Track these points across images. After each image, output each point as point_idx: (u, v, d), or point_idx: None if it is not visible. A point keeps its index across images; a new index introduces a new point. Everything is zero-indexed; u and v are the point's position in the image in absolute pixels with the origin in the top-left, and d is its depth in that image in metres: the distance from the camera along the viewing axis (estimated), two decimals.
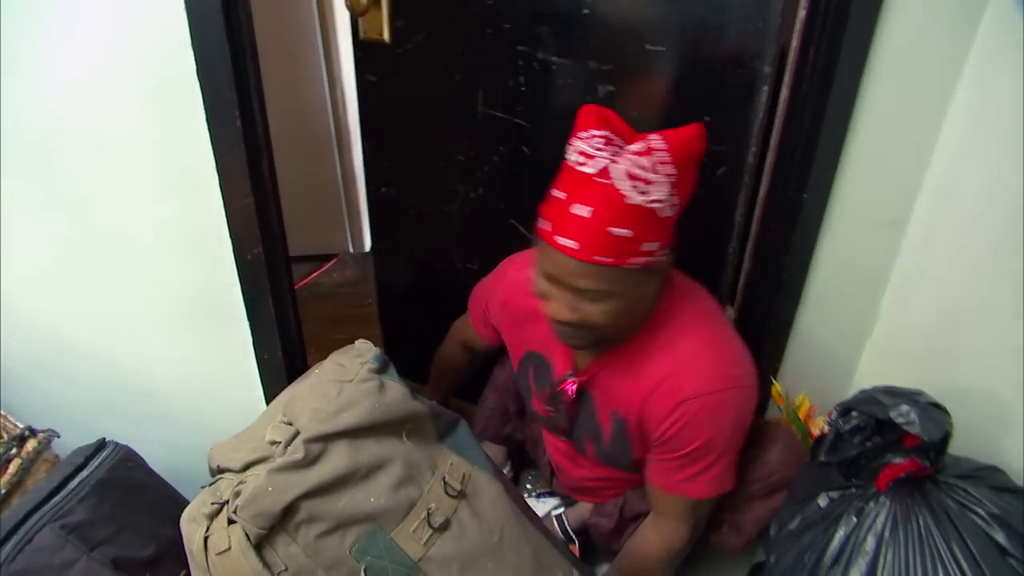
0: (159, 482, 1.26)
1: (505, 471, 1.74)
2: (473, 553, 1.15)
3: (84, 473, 1.13)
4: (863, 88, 1.23)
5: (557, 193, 1.06)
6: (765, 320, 1.46)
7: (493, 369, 1.68)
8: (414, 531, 1.11)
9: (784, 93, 1.37)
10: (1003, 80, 1.14)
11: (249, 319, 1.28)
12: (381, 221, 1.70)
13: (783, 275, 1.40)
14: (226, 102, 1.08)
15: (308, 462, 1.05)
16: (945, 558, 0.93)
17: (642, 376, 1.20)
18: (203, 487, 1.14)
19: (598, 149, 1.02)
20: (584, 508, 1.58)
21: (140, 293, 1.25)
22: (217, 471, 1.14)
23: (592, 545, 1.59)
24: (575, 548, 1.56)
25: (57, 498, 1.08)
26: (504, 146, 1.55)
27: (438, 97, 1.56)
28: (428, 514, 1.12)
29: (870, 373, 1.47)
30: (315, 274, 2.79)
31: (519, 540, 1.22)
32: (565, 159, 1.07)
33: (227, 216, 1.17)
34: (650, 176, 1.00)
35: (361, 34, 1.50)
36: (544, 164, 1.37)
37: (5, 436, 1.19)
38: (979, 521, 0.95)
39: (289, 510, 1.03)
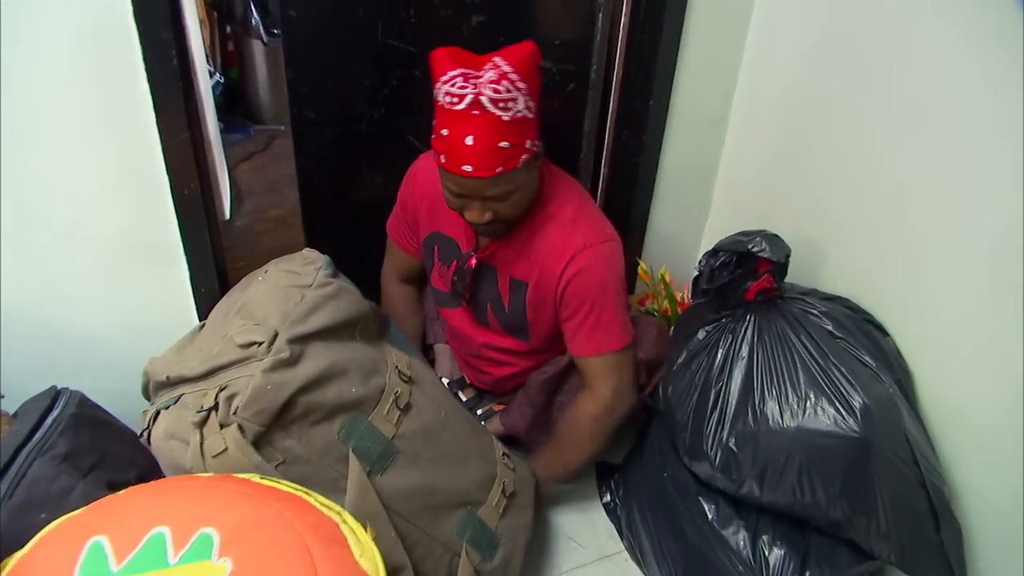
0: (115, 418, 1.29)
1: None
2: (430, 427, 1.32)
3: (55, 412, 1.13)
4: (688, 11, 1.53)
5: (443, 131, 1.25)
6: (627, 212, 1.75)
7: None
8: (386, 414, 1.26)
9: (624, 20, 1.64)
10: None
11: (186, 254, 1.32)
12: (303, 140, 1.84)
13: (638, 172, 1.70)
14: (163, 41, 1.13)
15: (293, 360, 1.14)
16: (797, 347, 1.27)
17: (535, 244, 1.43)
18: (147, 410, 1.21)
19: (461, 87, 1.22)
20: (495, 424, 1.68)
21: (76, 241, 1.25)
22: (167, 382, 1.20)
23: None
24: None
25: (39, 434, 1.08)
26: (400, 70, 1.72)
27: (346, 29, 1.72)
28: (395, 398, 1.28)
29: (711, 246, 1.82)
30: None
31: (458, 413, 1.43)
32: (436, 101, 1.26)
33: (164, 153, 1.21)
34: (509, 95, 1.22)
35: None
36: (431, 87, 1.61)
37: None
38: (815, 318, 1.30)
39: (287, 405, 1.12)
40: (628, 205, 1.75)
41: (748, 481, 1.26)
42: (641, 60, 1.61)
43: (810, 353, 1.25)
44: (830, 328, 1.28)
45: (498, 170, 1.25)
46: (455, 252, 1.54)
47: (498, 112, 1.22)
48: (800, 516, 1.26)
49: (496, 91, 1.21)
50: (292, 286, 1.25)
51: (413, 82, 1.72)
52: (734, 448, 1.26)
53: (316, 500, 1.03)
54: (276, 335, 1.16)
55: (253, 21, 2.97)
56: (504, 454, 1.47)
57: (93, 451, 1.14)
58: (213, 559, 0.88)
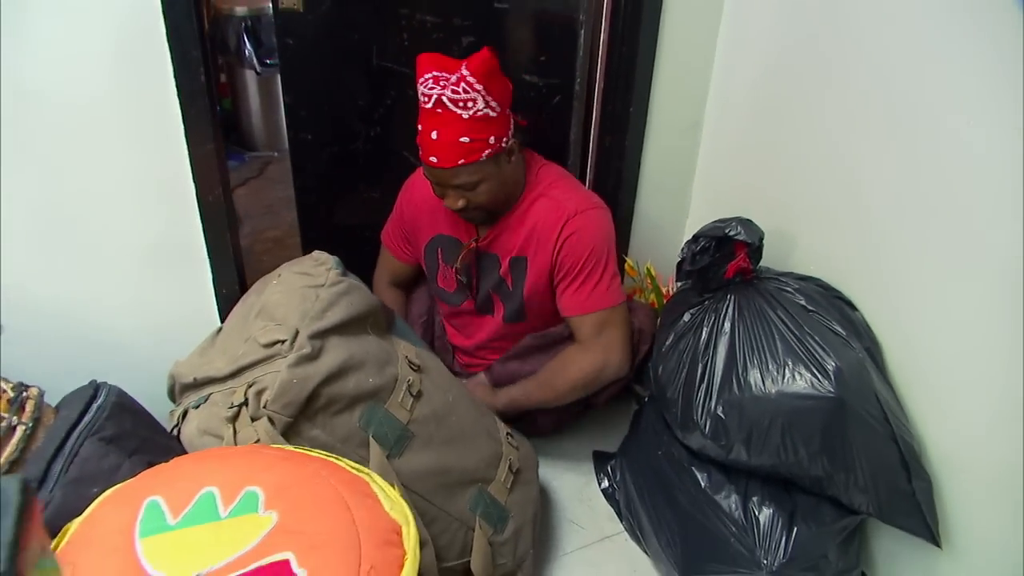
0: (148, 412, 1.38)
1: None
2: (440, 411, 1.42)
3: (100, 399, 1.23)
4: (662, 25, 1.67)
5: (419, 126, 1.45)
6: (613, 213, 1.86)
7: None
8: (401, 401, 1.35)
9: (603, 36, 1.78)
10: (753, 11, 1.64)
11: (210, 257, 1.43)
12: (301, 162, 1.98)
13: (622, 175, 1.83)
14: (193, 60, 1.25)
15: (315, 355, 1.24)
16: (774, 320, 1.39)
17: (528, 221, 1.58)
18: (174, 410, 1.30)
19: (431, 88, 1.40)
20: (480, 377, 1.78)
21: (106, 246, 1.35)
22: (194, 383, 1.29)
23: None
24: None
25: (87, 418, 1.18)
26: (395, 91, 1.87)
27: (342, 54, 1.87)
28: (408, 385, 1.37)
29: None
30: None
31: (463, 397, 1.53)
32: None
33: (191, 162, 1.32)
34: (467, 96, 1.39)
35: (280, 5, 1.80)
36: None
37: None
38: (789, 295, 1.42)
39: (311, 397, 1.22)
40: (614, 207, 1.86)
41: (736, 446, 1.37)
42: (621, 71, 1.74)
43: (786, 325, 1.37)
44: (803, 303, 1.40)
45: (460, 162, 1.43)
46: (457, 248, 1.67)
47: (457, 111, 1.39)
48: (785, 476, 1.37)
49: (455, 92, 1.39)
50: (307, 286, 1.35)
51: (407, 102, 1.84)
52: (722, 415, 1.37)
53: (346, 463, 1.13)
54: (297, 333, 1.25)
55: (247, 52, 3.10)
56: (508, 433, 1.57)
57: (135, 436, 1.24)
58: (260, 512, 0.98)
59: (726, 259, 1.45)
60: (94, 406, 1.23)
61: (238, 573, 0.89)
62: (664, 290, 1.85)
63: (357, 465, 1.13)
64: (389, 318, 1.51)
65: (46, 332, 1.38)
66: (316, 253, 1.45)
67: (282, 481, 1.03)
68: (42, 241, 1.32)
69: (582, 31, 1.76)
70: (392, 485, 1.12)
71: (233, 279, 1.49)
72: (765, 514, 1.38)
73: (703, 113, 1.80)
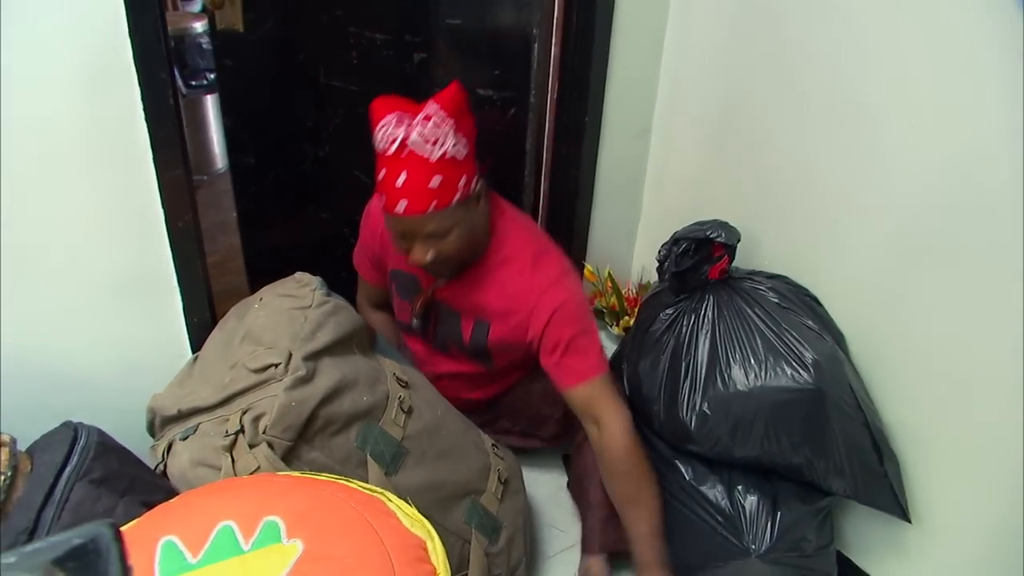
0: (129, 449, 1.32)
1: None
2: (430, 426, 1.41)
3: (82, 441, 1.17)
4: (613, 37, 1.73)
5: (380, 175, 1.30)
6: (570, 221, 1.92)
7: None
8: (394, 418, 1.33)
9: (555, 51, 1.82)
10: (697, 18, 1.71)
11: (180, 285, 1.37)
12: (243, 186, 1.91)
13: (578, 183, 1.88)
14: (160, 82, 1.20)
15: (310, 377, 1.21)
16: (752, 318, 1.45)
17: (495, 286, 1.45)
18: (156, 445, 1.25)
19: (393, 131, 1.26)
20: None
21: (72, 279, 1.26)
22: (179, 415, 1.24)
23: None
24: None
25: (73, 461, 1.12)
26: (344, 109, 1.83)
27: (287, 74, 1.81)
28: (400, 402, 1.36)
29: (644, 245, 2.02)
30: None
31: (451, 411, 1.52)
32: (375, 148, 1.30)
33: (160, 188, 1.27)
34: (435, 134, 1.25)
35: (218, 25, 1.68)
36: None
37: None
38: (763, 293, 1.49)
39: (310, 419, 1.19)
40: (571, 215, 1.92)
41: (722, 439, 1.42)
42: (575, 83, 1.79)
43: (764, 322, 1.44)
44: (777, 300, 1.47)
45: (431, 206, 1.28)
46: (414, 288, 1.58)
47: (425, 154, 1.26)
48: (767, 466, 1.43)
49: (421, 132, 1.25)
50: (294, 308, 1.32)
51: (357, 120, 1.77)
52: (708, 411, 1.42)
53: (357, 484, 1.11)
54: (291, 355, 1.23)
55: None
56: (493, 444, 1.57)
57: (123, 476, 1.18)
58: (284, 541, 0.95)
59: (704, 261, 1.50)
60: (77, 448, 1.17)
61: None
62: (624, 292, 1.90)
63: (368, 485, 1.12)
64: (372, 336, 1.49)
65: (10, 369, 1.30)
66: (299, 275, 1.42)
67: (300, 507, 1.01)
68: (5, 273, 1.24)
69: (535, 44, 1.80)
70: (407, 501, 1.11)
71: (204, 307, 1.43)
72: (750, 501, 1.44)
73: (652, 120, 1.87)
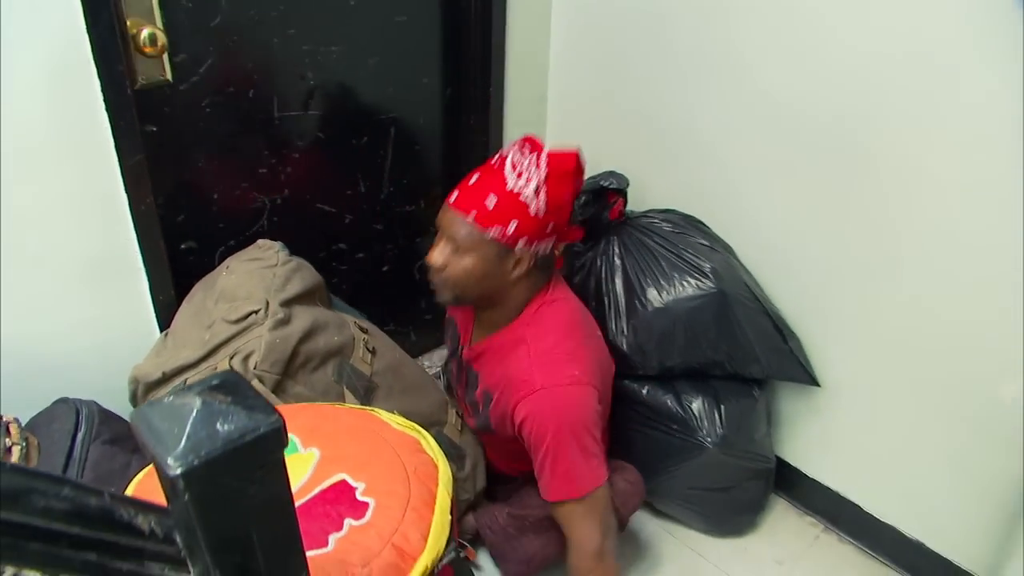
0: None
1: None
2: (394, 364, 1.60)
3: (85, 411, 1.27)
4: (508, 16, 1.93)
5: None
6: None
7: None
8: (362, 356, 1.51)
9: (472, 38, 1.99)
10: None
11: (145, 265, 1.46)
12: (184, 279, 1.58)
13: (487, 150, 2.06)
14: (118, 74, 1.28)
15: (287, 320, 1.38)
16: (652, 246, 1.70)
17: (505, 363, 1.43)
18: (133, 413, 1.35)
19: (507, 151, 1.35)
20: (469, 519, 1.68)
21: (46, 267, 1.32)
22: (163, 377, 1.34)
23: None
24: (472, 552, 1.68)
25: (83, 428, 1.23)
26: (302, 140, 1.75)
27: (234, 118, 1.61)
28: (364, 343, 1.53)
29: None
30: None
31: (406, 356, 1.70)
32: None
33: (123, 173, 1.36)
34: (523, 168, 1.32)
35: (138, 83, 1.38)
36: (339, 145, 1.81)
37: None
38: (658, 224, 1.75)
39: (292, 356, 1.35)
40: None
41: (652, 353, 1.66)
42: (478, 58, 1.97)
43: (663, 247, 1.70)
44: (670, 228, 1.74)
45: (471, 214, 1.31)
46: (455, 339, 1.66)
47: (505, 175, 1.32)
48: (699, 368, 1.68)
49: (517, 157, 1.34)
50: (262, 267, 1.47)
51: (321, 146, 1.78)
52: (635, 332, 1.67)
53: (346, 406, 1.28)
54: (267, 303, 1.39)
55: None
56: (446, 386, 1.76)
57: (130, 436, 1.29)
58: (301, 451, 1.11)
59: (603, 208, 1.74)
60: (82, 416, 1.27)
61: (305, 499, 1.02)
62: None
63: (354, 405, 1.28)
64: (329, 295, 1.64)
65: None
66: (260, 241, 1.56)
67: (308, 424, 1.17)
68: None
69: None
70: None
71: (169, 286, 1.52)
72: (697, 403, 1.69)
73: (547, 85, 2.10)
